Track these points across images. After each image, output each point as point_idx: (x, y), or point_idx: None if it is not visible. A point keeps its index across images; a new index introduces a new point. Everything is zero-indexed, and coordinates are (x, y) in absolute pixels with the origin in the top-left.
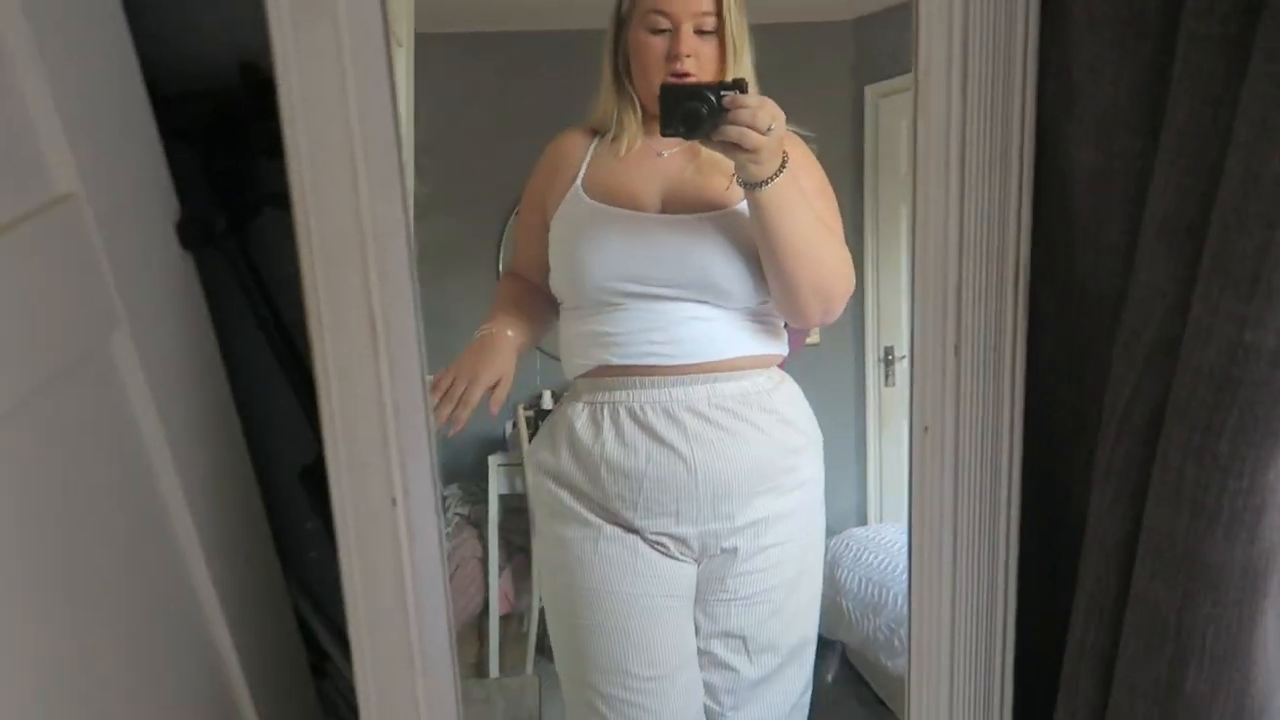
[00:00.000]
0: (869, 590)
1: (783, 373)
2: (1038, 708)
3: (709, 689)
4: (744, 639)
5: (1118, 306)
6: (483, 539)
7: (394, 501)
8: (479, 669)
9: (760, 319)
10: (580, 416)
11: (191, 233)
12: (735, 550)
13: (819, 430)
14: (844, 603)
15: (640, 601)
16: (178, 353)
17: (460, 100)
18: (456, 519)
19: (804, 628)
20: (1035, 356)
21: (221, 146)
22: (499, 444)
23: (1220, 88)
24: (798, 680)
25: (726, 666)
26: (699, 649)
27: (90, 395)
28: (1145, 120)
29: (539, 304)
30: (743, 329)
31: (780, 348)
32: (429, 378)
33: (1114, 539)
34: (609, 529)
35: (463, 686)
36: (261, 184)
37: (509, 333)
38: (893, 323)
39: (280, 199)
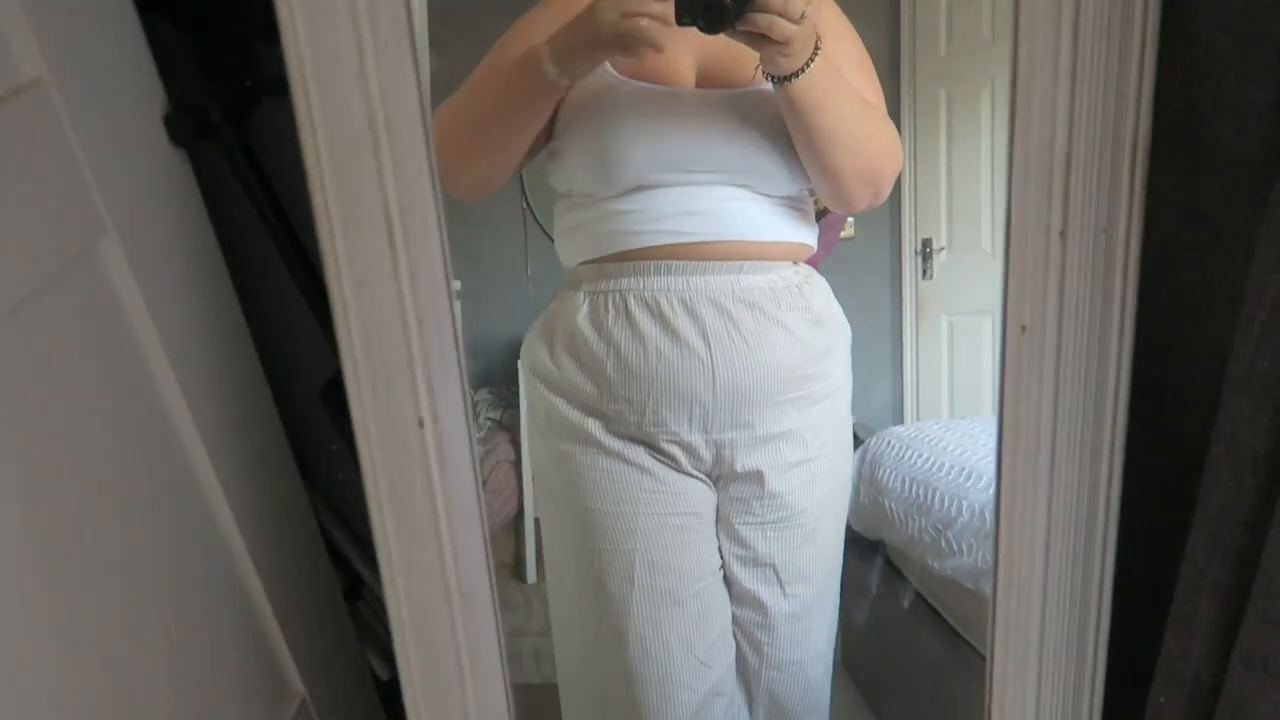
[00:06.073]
0: (913, 490)
1: (810, 268)
2: (1144, 633)
3: (739, 625)
4: (774, 567)
5: (1265, 173)
6: (515, 443)
7: (421, 423)
8: (516, 570)
9: (796, 205)
10: (581, 309)
11: (182, 125)
12: (760, 472)
13: (849, 328)
14: (886, 503)
15: (648, 520)
16: (175, 260)
17: None
18: (489, 424)
19: (836, 551)
20: (1149, 240)
21: (213, 26)
22: None
23: None
24: (833, 607)
25: (756, 600)
26: (724, 578)
27: (81, 309)
28: None
29: None
30: (777, 215)
31: (811, 239)
32: (457, 284)
33: (1252, 454)
34: (611, 441)
35: (501, 591)
36: (262, 68)
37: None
38: (931, 215)
39: (283, 84)
